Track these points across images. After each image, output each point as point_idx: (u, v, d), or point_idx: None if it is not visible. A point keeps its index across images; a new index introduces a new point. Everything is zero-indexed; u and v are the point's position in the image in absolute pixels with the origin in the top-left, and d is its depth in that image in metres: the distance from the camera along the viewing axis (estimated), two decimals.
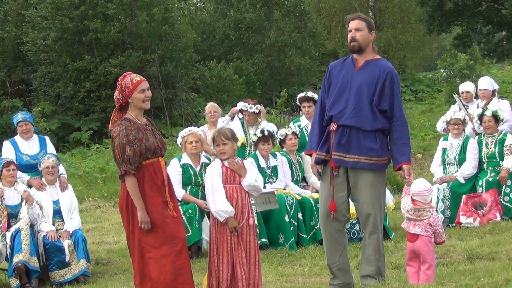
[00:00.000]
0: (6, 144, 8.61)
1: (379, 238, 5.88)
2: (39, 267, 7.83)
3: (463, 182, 9.20)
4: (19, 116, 8.67)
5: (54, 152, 8.83)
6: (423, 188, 5.82)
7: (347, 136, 5.78)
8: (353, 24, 5.89)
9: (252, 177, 5.78)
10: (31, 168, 8.43)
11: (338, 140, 5.81)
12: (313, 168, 6.06)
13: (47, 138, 8.89)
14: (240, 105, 9.68)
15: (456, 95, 10.37)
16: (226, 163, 5.76)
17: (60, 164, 8.73)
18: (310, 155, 6.10)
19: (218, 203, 5.63)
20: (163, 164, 5.54)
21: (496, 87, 10.09)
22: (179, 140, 8.83)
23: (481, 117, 9.41)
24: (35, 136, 8.69)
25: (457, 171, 9.34)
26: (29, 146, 8.56)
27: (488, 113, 9.31)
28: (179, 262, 5.37)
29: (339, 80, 5.89)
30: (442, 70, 27.97)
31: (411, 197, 5.84)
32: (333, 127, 5.84)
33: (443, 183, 9.26)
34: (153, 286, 5.35)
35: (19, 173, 8.39)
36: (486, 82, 10.08)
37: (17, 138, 8.64)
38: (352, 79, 5.84)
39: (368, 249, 5.88)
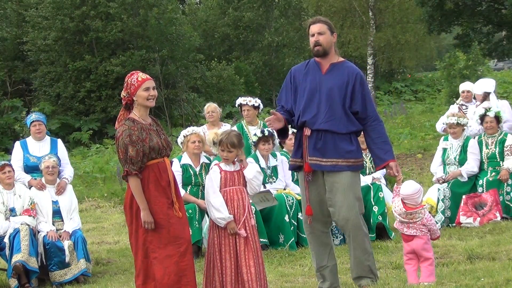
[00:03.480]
0: (16, 144, 8.72)
1: (363, 238, 5.85)
2: (38, 268, 7.82)
3: (466, 178, 9.18)
4: (33, 117, 8.79)
5: (66, 155, 8.84)
6: (412, 191, 5.81)
7: (323, 140, 5.77)
8: (315, 28, 5.84)
9: (254, 166, 5.84)
10: (37, 169, 8.44)
11: (313, 145, 5.79)
12: (274, 114, 5.85)
13: (59, 140, 8.91)
14: (239, 100, 9.66)
15: (455, 104, 10.45)
16: (223, 166, 5.76)
17: (69, 167, 8.75)
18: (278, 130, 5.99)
19: (215, 212, 5.63)
20: (169, 164, 5.52)
21: (481, 91, 10.04)
22: (180, 140, 8.81)
23: (482, 117, 9.40)
24: (47, 138, 8.75)
25: None
26: (39, 147, 8.59)
27: (491, 113, 9.32)
28: (183, 263, 5.37)
29: (306, 84, 5.86)
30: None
31: (402, 200, 5.83)
32: (307, 132, 5.81)
33: (443, 182, 9.25)
34: (157, 287, 5.35)
35: (22, 174, 8.41)
36: (476, 85, 10.16)
37: (29, 139, 8.72)
38: (321, 83, 5.82)
39: (355, 251, 5.86)
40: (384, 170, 6.58)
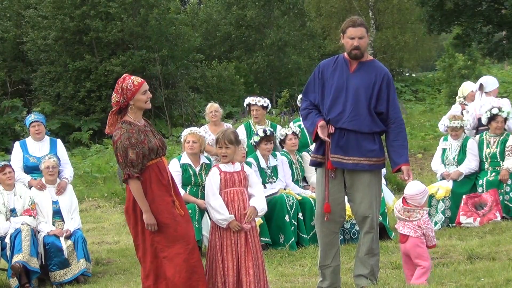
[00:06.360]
0: (16, 145, 8.73)
1: (373, 238, 5.86)
2: (39, 268, 7.82)
3: (463, 175, 9.20)
4: (32, 117, 8.79)
5: (66, 155, 8.85)
6: (416, 191, 5.81)
7: (345, 138, 5.76)
8: (356, 32, 5.79)
9: (262, 201, 5.77)
10: (37, 169, 8.44)
11: (336, 142, 5.78)
12: (322, 130, 5.75)
13: (58, 140, 8.92)
14: (248, 100, 9.68)
15: (456, 104, 10.47)
16: (222, 167, 5.76)
17: (69, 167, 8.75)
18: (315, 134, 5.81)
19: (215, 214, 5.63)
20: (166, 163, 5.55)
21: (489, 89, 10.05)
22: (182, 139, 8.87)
23: (494, 116, 9.32)
24: (47, 138, 8.76)
25: None
26: (39, 148, 8.60)
27: (504, 114, 9.31)
28: (193, 260, 5.38)
29: (333, 82, 5.84)
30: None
31: (403, 198, 5.83)
32: (330, 129, 5.80)
33: (447, 179, 9.24)
34: (169, 285, 5.35)
35: (22, 175, 8.41)
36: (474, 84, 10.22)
37: (28, 139, 8.73)
38: (348, 81, 5.80)
39: (362, 249, 5.89)
40: (384, 169, 6.59)
